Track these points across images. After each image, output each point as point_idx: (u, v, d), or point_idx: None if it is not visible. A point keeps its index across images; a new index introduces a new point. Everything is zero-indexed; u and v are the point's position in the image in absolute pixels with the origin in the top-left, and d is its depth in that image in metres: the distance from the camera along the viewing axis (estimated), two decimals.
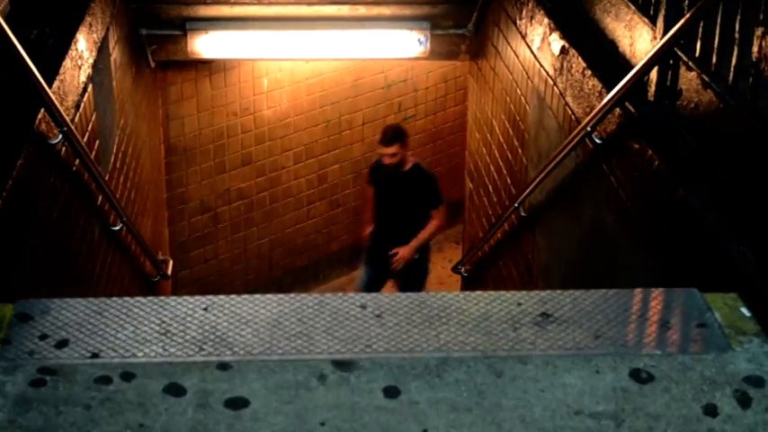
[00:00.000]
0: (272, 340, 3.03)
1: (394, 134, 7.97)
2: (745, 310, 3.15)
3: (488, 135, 7.67)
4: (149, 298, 3.26)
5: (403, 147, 7.87)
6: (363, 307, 3.22)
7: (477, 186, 8.32)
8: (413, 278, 8.46)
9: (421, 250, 8.34)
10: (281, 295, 3.33)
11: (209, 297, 3.25)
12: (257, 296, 3.29)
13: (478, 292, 3.35)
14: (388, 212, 8.29)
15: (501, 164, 7.20)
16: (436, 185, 8.13)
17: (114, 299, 3.24)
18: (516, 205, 6.26)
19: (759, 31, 3.44)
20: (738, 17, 3.65)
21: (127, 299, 3.24)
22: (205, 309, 3.16)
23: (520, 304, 3.23)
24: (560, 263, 5.60)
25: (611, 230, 4.59)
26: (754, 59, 3.49)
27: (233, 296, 3.28)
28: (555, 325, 3.13)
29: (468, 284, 8.54)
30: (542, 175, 5.53)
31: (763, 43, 3.41)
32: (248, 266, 10.17)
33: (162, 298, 3.28)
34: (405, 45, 7.96)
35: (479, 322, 3.13)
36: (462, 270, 8.62)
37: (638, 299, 3.40)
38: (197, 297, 3.27)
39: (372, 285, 8.66)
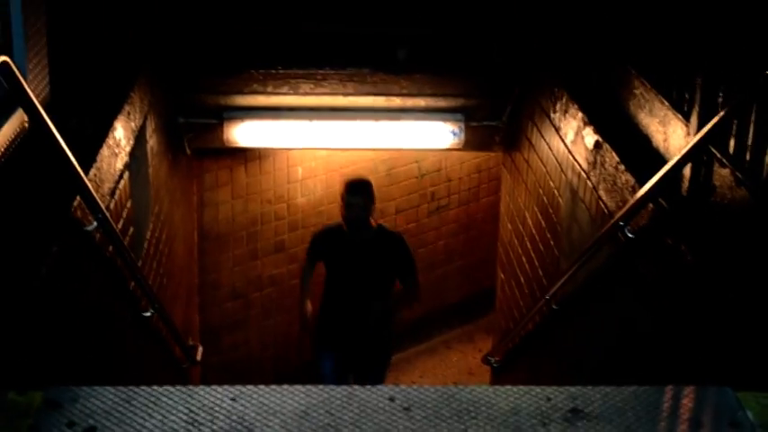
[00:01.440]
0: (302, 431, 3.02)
1: (363, 184, 7.42)
2: None
3: (521, 226, 7.67)
4: (177, 387, 3.25)
5: (371, 202, 7.36)
6: (392, 399, 3.20)
7: (508, 277, 8.29)
8: (378, 360, 7.92)
9: (388, 329, 7.79)
10: (309, 386, 3.32)
11: (238, 387, 3.25)
12: (285, 387, 3.28)
13: (508, 387, 3.33)
14: (347, 288, 7.58)
15: (533, 255, 7.19)
16: (409, 249, 7.65)
17: (143, 387, 3.24)
18: (548, 297, 6.23)
19: None
20: None
21: (155, 388, 3.23)
22: (233, 399, 3.15)
23: (549, 399, 3.21)
24: (592, 357, 5.55)
25: (644, 326, 4.56)
26: None
27: (261, 386, 3.27)
28: (585, 421, 3.10)
29: (499, 375, 8.46)
30: (574, 267, 5.51)
31: None
32: (278, 353, 10.14)
33: (190, 387, 3.27)
34: (439, 136, 7.99)
35: (508, 417, 3.11)
36: (493, 361, 8.52)
37: (670, 396, 3.37)
38: (225, 387, 3.26)
39: (341, 377, 7.96)
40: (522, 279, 7.64)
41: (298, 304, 7.99)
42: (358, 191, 7.28)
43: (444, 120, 7.88)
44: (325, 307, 7.74)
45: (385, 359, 8.00)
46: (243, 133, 7.79)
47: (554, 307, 6.24)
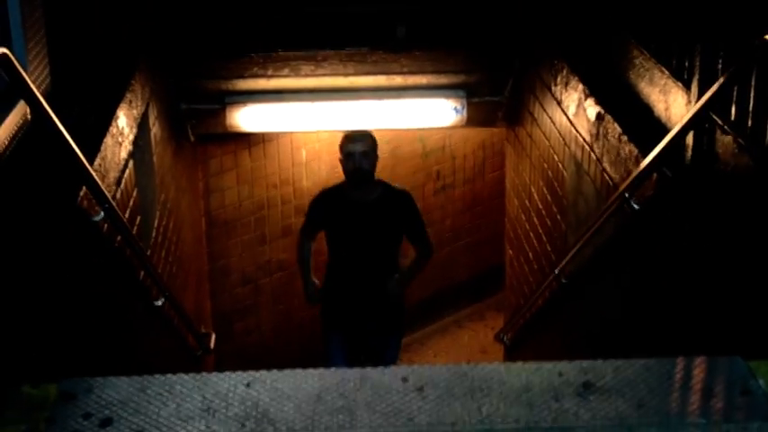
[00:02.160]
0: (314, 415, 3.04)
1: (363, 132, 6.80)
2: None
3: (527, 201, 7.68)
4: (191, 374, 3.28)
5: (374, 152, 6.66)
6: (405, 380, 3.22)
7: (517, 253, 8.31)
8: (390, 337, 7.28)
9: (400, 302, 7.13)
10: (322, 369, 3.34)
11: (251, 372, 3.26)
12: (299, 371, 3.30)
13: (519, 363, 3.34)
14: (353, 256, 6.86)
15: (540, 230, 7.20)
16: (417, 207, 6.98)
17: (157, 376, 3.26)
18: (556, 272, 6.24)
19: None
20: None
21: (169, 376, 3.26)
22: (247, 384, 3.17)
23: (561, 374, 3.22)
24: (602, 330, 5.57)
25: (653, 297, 4.58)
26: None
27: (275, 371, 3.29)
28: (597, 395, 3.12)
29: (511, 352, 8.49)
30: (582, 241, 5.53)
31: None
32: (290, 338, 10.16)
33: (204, 374, 3.30)
34: (442, 114, 7.99)
35: (521, 393, 3.12)
36: (505, 338, 8.54)
37: (681, 367, 3.38)
38: (239, 372, 3.28)
39: (351, 352, 7.29)
40: (530, 255, 7.65)
41: (302, 280, 7.31)
42: (358, 138, 6.64)
43: (446, 97, 7.88)
44: (330, 281, 7.12)
45: (398, 336, 7.41)
46: (245, 118, 7.80)
47: (563, 281, 6.25)
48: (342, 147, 6.59)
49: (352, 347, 7.23)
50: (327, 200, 6.85)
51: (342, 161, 6.61)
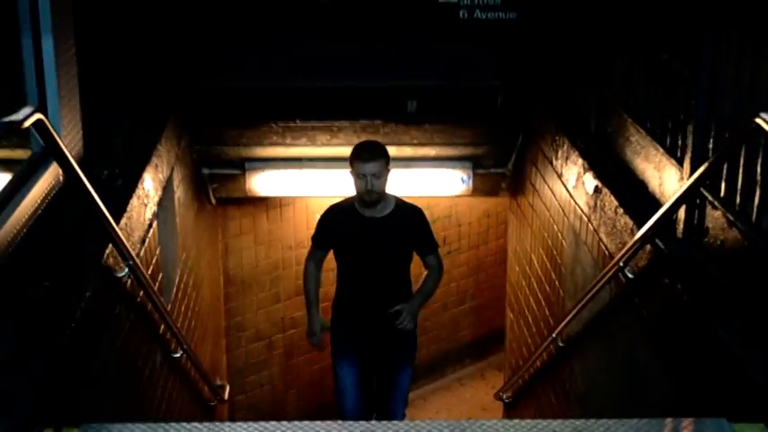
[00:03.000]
0: None
1: (376, 146, 5.93)
2: None
3: (527, 268, 7.68)
4: (205, 423, 3.27)
5: (387, 167, 5.81)
6: None
7: (517, 317, 8.29)
8: (402, 361, 6.37)
9: (413, 320, 6.06)
10: (329, 422, 3.33)
11: (261, 423, 3.26)
12: (306, 423, 3.29)
13: (516, 420, 3.34)
14: (364, 274, 6.04)
15: (539, 295, 7.19)
16: (428, 222, 6.20)
17: (172, 423, 3.26)
18: (554, 336, 6.23)
19: None
20: (760, 159, 3.68)
21: (184, 424, 3.25)
22: None
23: (555, 431, 3.22)
24: (596, 391, 5.55)
25: (644, 361, 4.57)
26: None
27: (283, 422, 3.29)
28: None
29: (510, 410, 8.45)
30: (578, 307, 5.52)
31: None
32: (300, 392, 10.14)
33: (216, 423, 3.29)
34: (449, 183, 8.02)
35: None
36: (504, 397, 8.51)
37: (670, 428, 3.38)
38: (250, 423, 3.28)
39: (363, 381, 6.42)
40: (529, 318, 7.64)
41: (306, 313, 6.38)
42: (371, 155, 5.76)
43: (453, 167, 7.91)
44: (340, 303, 6.26)
45: (411, 363, 6.48)
46: (264, 183, 7.84)
47: (560, 344, 6.24)
48: (353, 164, 5.77)
49: (364, 376, 6.41)
50: (336, 215, 6.10)
51: (352, 176, 5.82)
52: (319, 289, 6.26)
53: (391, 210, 5.95)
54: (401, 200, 6.07)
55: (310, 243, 6.33)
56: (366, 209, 5.89)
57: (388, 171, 5.80)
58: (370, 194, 5.73)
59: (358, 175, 5.72)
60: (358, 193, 5.82)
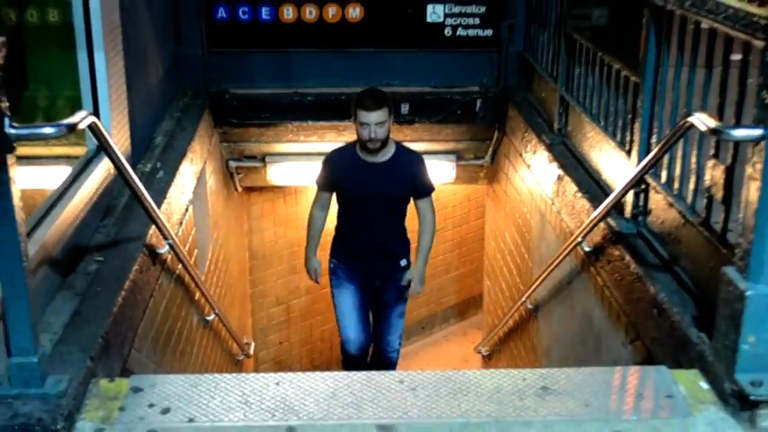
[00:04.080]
0: (329, 408, 3.05)
1: (378, 94, 5.21)
2: (703, 384, 3.14)
3: (501, 243, 7.69)
4: (233, 374, 3.29)
5: (390, 115, 5.18)
6: (401, 381, 3.23)
7: (493, 284, 8.31)
8: (399, 296, 5.72)
9: (407, 254, 5.63)
10: (336, 372, 3.36)
11: (281, 374, 3.28)
12: (318, 373, 3.31)
13: (492, 370, 3.36)
14: (363, 216, 5.42)
15: (512, 266, 7.20)
16: (425, 167, 5.49)
17: (206, 375, 3.28)
18: (524, 299, 6.26)
19: (711, 163, 3.48)
20: (695, 151, 3.69)
21: (216, 375, 3.27)
22: (277, 383, 3.19)
23: (525, 379, 3.23)
24: (559, 345, 5.57)
25: (598, 319, 4.58)
26: (707, 185, 3.52)
27: (299, 373, 3.31)
28: (553, 396, 3.13)
29: (487, 362, 8.47)
30: (544, 275, 5.54)
31: (714, 172, 3.44)
32: (313, 347, 10.16)
33: (243, 374, 3.31)
34: (436, 173, 8.00)
35: (493, 394, 3.14)
36: (482, 351, 8.54)
37: (619, 375, 3.40)
38: (271, 374, 3.30)
39: (361, 308, 5.71)
40: (503, 285, 7.66)
41: (305, 253, 5.80)
42: (375, 104, 5.09)
43: (440, 160, 7.89)
44: (339, 241, 5.67)
45: (404, 297, 5.77)
46: (281, 173, 7.83)
47: (529, 307, 6.26)
48: (356, 112, 5.12)
49: (361, 304, 5.72)
50: (338, 159, 5.44)
51: (354, 124, 5.20)
52: (321, 232, 5.67)
53: (391, 155, 5.31)
54: (402, 145, 5.46)
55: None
56: (368, 154, 5.26)
57: (390, 121, 5.18)
58: (374, 143, 5.14)
59: (361, 124, 5.10)
60: (361, 140, 5.20)
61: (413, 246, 5.70)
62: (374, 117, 5.05)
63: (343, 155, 5.43)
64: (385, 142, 5.20)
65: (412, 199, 5.50)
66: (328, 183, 5.48)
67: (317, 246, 5.67)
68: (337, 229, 5.64)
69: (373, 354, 5.97)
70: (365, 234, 5.47)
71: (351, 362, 5.81)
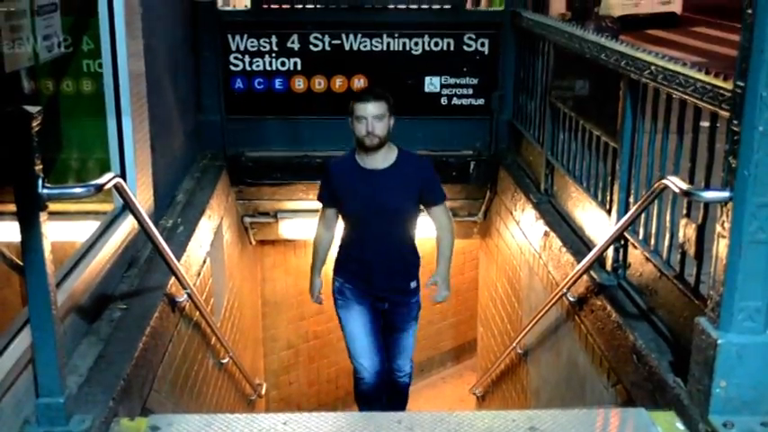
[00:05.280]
0: None
1: (379, 90, 4.45)
2: (679, 425, 3.11)
3: (494, 293, 7.66)
4: (245, 414, 3.26)
5: (389, 113, 4.36)
6: (399, 422, 3.20)
7: (486, 330, 8.26)
8: (410, 315, 4.90)
9: (416, 275, 4.85)
10: (339, 413, 3.33)
11: (288, 414, 3.25)
12: (322, 413, 3.28)
13: (484, 411, 3.33)
14: (367, 231, 4.54)
15: (503, 314, 7.17)
16: (435, 171, 4.64)
17: (219, 415, 3.25)
18: (514, 345, 6.21)
19: (683, 221, 3.48)
20: (668, 211, 3.70)
21: (228, 415, 3.24)
22: (284, 423, 3.16)
23: (514, 420, 3.20)
24: (546, 387, 5.51)
25: (583, 364, 4.55)
26: (681, 242, 3.51)
27: (305, 413, 3.28)
28: None
29: (481, 402, 8.38)
30: (532, 323, 5.51)
31: (686, 230, 3.44)
32: (321, 388, 10.08)
33: (253, 414, 3.28)
34: (434, 228, 7.97)
35: None
36: (477, 392, 8.45)
37: (601, 416, 3.37)
38: (279, 414, 3.27)
39: (372, 331, 4.75)
40: (495, 331, 7.61)
41: (310, 271, 4.94)
42: (372, 96, 4.33)
43: None
44: (344, 259, 4.75)
45: (415, 316, 4.96)
46: (292, 228, 7.83)
47: (519, 351, 6.21)
48: (353, 108, 4.35)
49: (372, 325, 4.78)
50: (337, 169, 4.57)
51: (351, 123, 4.38)
52: (326, 252, 4.86)
53: (394, 161, 4.44)
54: (405, 150, 4.54)
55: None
56: (367, 159, 4.41)
57: (390, 118, 4.37)
58: (371, 138, 4.29)
59: (357, 119, 4.30)
60: (358, 139, 4.37)
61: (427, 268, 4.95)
62: (371, 108, 4.27)
63: (342, 163, 4.56)
64: (384, 141, 4.36)
65: (424, 209, 4.68)
66: (328, 196, 4.63)
67: (321, 266, 4.88)
68: (341, 245, 4.77)
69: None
70: (370, 251, 4.57)
71: (366, 391, 4.79)
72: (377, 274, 4.63)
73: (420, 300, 4.93)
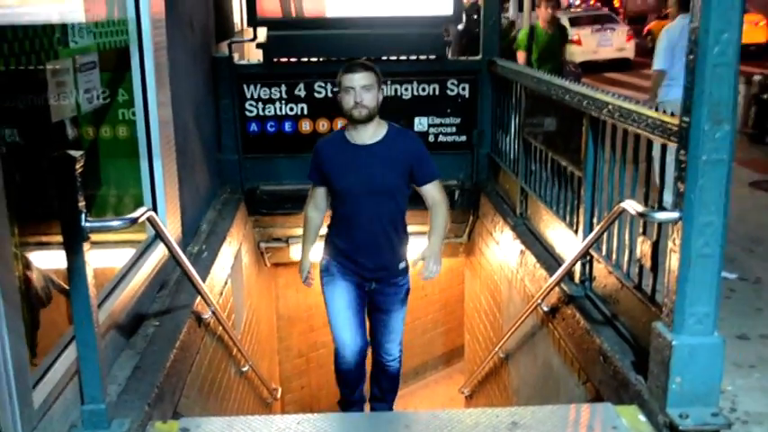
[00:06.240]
0: None
1: (367, 62, 3.87)
2: (641, 417, 3.10)
3: (478, 304, 7.65)
4: (263, 416, 3.26)
5: (378, 86, 3.80)
6: (398, 420, 3.19)
7: (472, 337, 8.24)
8: (396, 295, 4.27)
9: (404, 259, 4.25)
10: (345, 413, 3.32)
11: (301, 414, 3.25)
12: (331, 414, 3.29)
13: (471, 409, 3.33)
14: (357, 209, 3.92)
15: (486, 323, 7.16)
16: (425, 147, 4.02)
17: (240, 416, 3.25)
18: (497, 349, 6.20)
19: (641, 239, 3.49)
20: (627, 230, 3.71)
21: (248, 416, 3.24)
22: (298, 423, 3.15)
23: (498, 416, 3.20)
24: (525, 386, 5.50)
25: (557, 365, 4.54)
26: (638, 257, 3.53)
27: (316, 414, 3.27)
28: (521, 429, 3.09)
29: (469, 401, 8.34)
30: (512, 330, 5.50)
31: (643, 246, 3.46)
32: (329, 392, 9.98)
33: (270, 416, 3.28)
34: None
35: (472, 429, 3.10)
36: (465, 392, 8.41)
37: (574, 411, 3.36)
38: (293, 415, 3.26)
39: (356, 309, 4.17)
40: (480, 338, 7.59)
41: (301, 251, 4.37)
42: (360, 67, 3.77)
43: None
44: (333, 238, 4.16)
45: (404, 298, 4.35)
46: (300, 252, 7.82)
47: (501, 355, 6.20)
48: (340, 81, 3.79)
49: (357, 307, 4.21)
50: (326, 145, 3.99)
51: (340, 97, 3.82)
52: (317, 232, 4.28)
53: (383, 135, 3.88)
54: (395, 125, 3.98)
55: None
56: (356, 134, 3.86)
57: (379, 91, 3.82)
58: (359, 109, 3.73)
59: (345, 90, 3.75)
60: (346, 111, 3.79)
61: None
62: (359, 78, 3.72)
63: (331, 140, 4.00)
64: (373, 114, 3.79)
65: (417, 188, 4.05)
66: (318, 174, 4.02)
67: (311, 246, 4.28)
68: (330, 224, 4.20)
69: (373, 365, 4.51)
70: (358, 228, 3.98)
71: (345, 371, 4.31)
72: (364, 252, 4.02)
73: (409, 283, 4.33)
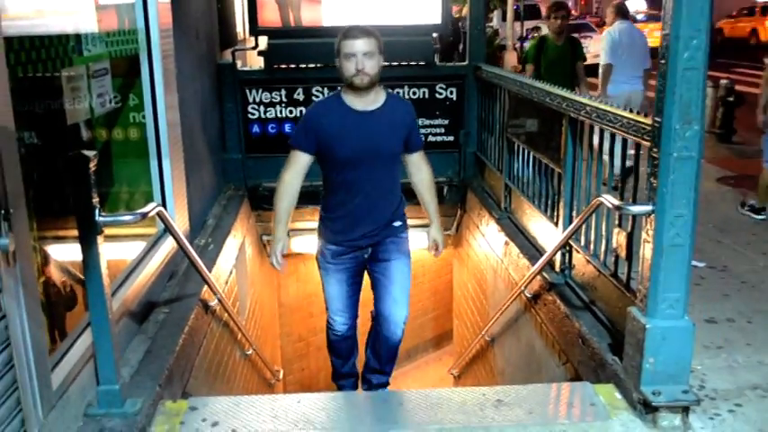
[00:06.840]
0: (339, 420, 3.01)
1: (368, 27, 3.42)
2: (617, 395, 3.11)
3: (465, 292, 7.66)
4: (266, 395, 3.25)
5: (379, 52, 3.38)
6: (392, 398, 3.19)
7: (460, 322, 8.25)
8: (400, 244, 3.90)
9: (403, 220, 3.88)
10: (344, 392, 3.32)
11: (301, 394, 3.24)
12: (329, 393, 3.28)
13: (460, 388, 3.32)
14: (357, 177, 3.49)
15: (473, 308, 7.16)
16: (415, 115, 3.67)
17: (245, 396, 3.23)
18: (483, 333, 6.20)
19: (616, 231, 3.49)
20: (604, 222, 3.71)
21: (253, 396, 3.23)
22: (298, 401, 3.15)
23: (484, 395, 3.20)
24: (510, 367, 5.51)
25: (539, 347, 4.55)
26: (614, 247, 3.53)
27: (315, 393, 3.27)
28: (505, 407, 3.09)
29: (458, 381, 8.35)
30: (497, 315, 5.50)
31: (618, 237, 3.46)
32: (328, 373, 9.94)
33: (273, 395, 3.27)
34: (417, 242, 7.97)
35: (461, 406, 3.10)
36: (454, 373, 8.40)
37: (555, 389, 3.36)
38: (294, 394, 3.26)
39: (351, 292, 3.93)
40: (468, 323, 7.60)
41: (273, 229, 3.72)
42: (362, 32, 3.35)
43: (419, 231, 7.86)
44: (330, 216, 3.73)
45: (407, 251, 4.01)
46: (302, 244, 7.80)
47: (487, 339, 6.21)
48: (340, 44, 3.37)
49: (354, 291, 3.95)
50: (324, 112, 3.46)
51: (339, 63, 3.39)
52: (293, 203, 3.70)
53: (383, 102, 3.48)
54: (391, 92, 3.60)
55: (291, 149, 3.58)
56: (356, 100, 3.41)
57: (380, 58, 3.39)
58: (361, 76, 3.32)
59: (346, 56, 3.33)
60: (347, 79, 3.37)
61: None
62: (360, 44, 3.31)
63: (328, 107, 3.47)
64: (374, 81, 3.39)
65: (405, 156, 3.74)
66: (312, 142, 3.48)
67: (287, 219, 3.68)
68: (324, 201, 3.73)
69: (373, 337, 4.13)
70: (358, 195, 3.55)
71: (336, 342, 4.20)
72: (363, 219, 3.61)
73: (408, 240, 3.96)
